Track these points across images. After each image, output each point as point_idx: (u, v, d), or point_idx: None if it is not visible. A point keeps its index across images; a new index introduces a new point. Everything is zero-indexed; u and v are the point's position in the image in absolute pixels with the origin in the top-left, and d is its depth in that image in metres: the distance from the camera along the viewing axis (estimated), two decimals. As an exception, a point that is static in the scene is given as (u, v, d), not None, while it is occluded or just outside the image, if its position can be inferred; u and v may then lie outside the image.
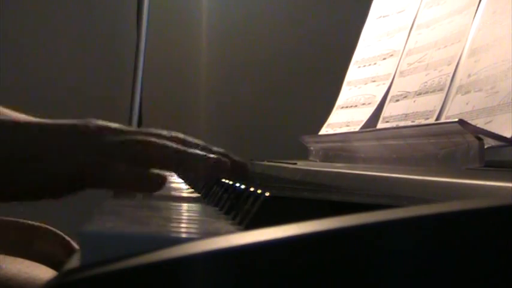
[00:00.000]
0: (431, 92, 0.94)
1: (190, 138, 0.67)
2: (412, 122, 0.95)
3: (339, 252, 0.29)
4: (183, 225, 0.44)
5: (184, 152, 0.62)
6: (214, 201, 0.62)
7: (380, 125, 1.06)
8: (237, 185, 0.55)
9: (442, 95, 0.90)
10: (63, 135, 0.61)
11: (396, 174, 0.63)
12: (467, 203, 0.31)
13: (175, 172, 0.68)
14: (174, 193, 0.78)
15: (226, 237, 0.30)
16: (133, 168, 0.60)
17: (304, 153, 1.31)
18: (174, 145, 0.63)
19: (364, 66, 1.25)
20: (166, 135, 0.65)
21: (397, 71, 1.10)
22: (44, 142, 0.61)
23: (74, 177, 0.59)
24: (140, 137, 0.62)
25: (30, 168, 0.60)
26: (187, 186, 0.88)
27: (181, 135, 0.66)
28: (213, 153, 0.65)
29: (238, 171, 0.66)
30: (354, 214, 0.30)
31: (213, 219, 0.49)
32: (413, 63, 1.05)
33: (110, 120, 0.64)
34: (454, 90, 0.87)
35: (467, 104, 0.81)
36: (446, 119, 0.85)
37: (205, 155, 0.62)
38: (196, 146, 0.65)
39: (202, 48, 2.20)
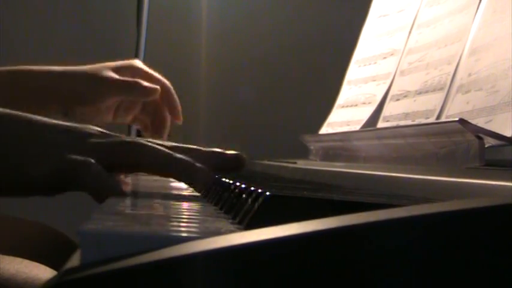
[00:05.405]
0: (431, 91, 0.94)
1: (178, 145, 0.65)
2: (413, 121, 0.95)
3: (339, 251, 0.29)
4: (183, 224, 0.44)
5: (173, 157, 0.60)
6: (214, 200, 0.62)
7: (380, 124, 1.06)
8: (238, 184, 0.55)
9: (443, 94, 0.90)
10: (55, 133, 0.59)
11: (396, 174, 0.63)
12: (468, 202, 0.31)
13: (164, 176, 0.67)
14: (173, 192, 0.78)
15: (226, 237, 0.30)
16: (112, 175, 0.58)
17: (304, 153, 1.31)
18: (164, 149, 0.60)
19: (365, 65, 1.25)
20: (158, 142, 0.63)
21: (398, 70, 1.10)
22: (30, 137, 0.58)
23: (55, 176, 0.56)
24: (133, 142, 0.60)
25: (14, 161, 0.57)
26: (187, 186, 0.88)
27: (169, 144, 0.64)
28: (204, 154, 0.64)
29: (233, 166, 0.65)
30: (354, 213, 0.30)
31: (213, 219, 0.49)
32: (414, 62, 1.05)
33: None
34: (454, 89, 0.87)
35: (467, 103, 0.81)
36: (446, 118, 0.85)
37: (193, 164, 0.60)
38: (187, 151, 0.63)
39: (202, 47, 2.20)
